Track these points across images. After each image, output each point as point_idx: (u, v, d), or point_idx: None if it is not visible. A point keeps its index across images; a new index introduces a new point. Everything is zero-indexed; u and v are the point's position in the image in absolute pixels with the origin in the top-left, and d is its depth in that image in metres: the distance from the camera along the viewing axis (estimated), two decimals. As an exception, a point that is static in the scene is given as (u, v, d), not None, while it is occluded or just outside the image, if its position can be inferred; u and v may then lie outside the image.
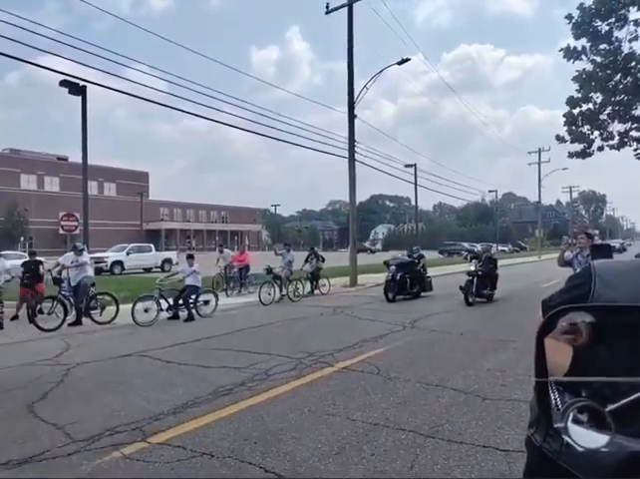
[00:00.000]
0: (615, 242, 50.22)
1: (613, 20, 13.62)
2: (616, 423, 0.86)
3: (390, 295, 12.52)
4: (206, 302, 10.80)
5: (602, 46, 13.97)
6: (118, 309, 10.05)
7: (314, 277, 15.01)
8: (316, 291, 14.99)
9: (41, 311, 9.86)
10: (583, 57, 14.11)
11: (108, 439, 3.69)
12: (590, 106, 14.85)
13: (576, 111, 15.02)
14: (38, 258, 11.09)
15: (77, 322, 9.68)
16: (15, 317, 10.35)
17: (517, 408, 4.16)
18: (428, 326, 8.63)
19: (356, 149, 18.48)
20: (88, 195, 14.33)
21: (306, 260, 15.18)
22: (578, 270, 1.58)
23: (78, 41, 18.60)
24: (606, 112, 14.85)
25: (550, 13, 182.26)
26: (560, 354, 1.04)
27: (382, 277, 20.42)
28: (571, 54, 14.19)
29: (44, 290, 10.55)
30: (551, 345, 1.01)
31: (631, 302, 1.04)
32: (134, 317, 9.27)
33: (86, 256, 10.55)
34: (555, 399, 0.98)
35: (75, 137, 13.46)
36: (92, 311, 9.94)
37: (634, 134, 15.01)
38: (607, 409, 0.88)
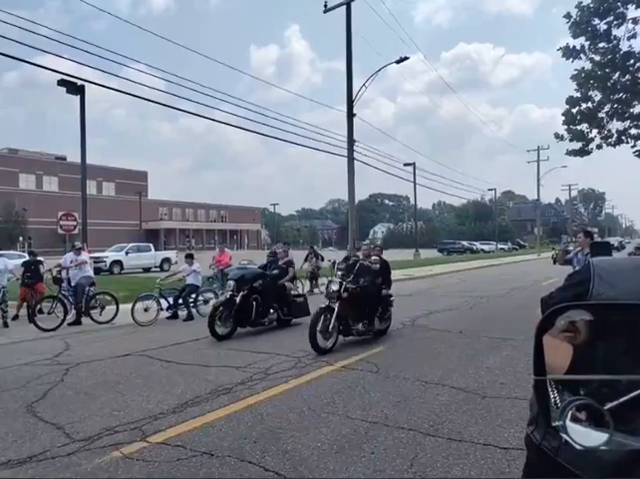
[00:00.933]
0: (614, 241, 50.27)
1: (612, 18, 13.60)
2: (615, 421, 0.87)
3: (219, 330, 7.72)
4: (206, 302, 10.79)
5: (601, 44, 13.95)
6: (117, 309, 10.05)
7: (314, 276, 15.00)
8: (315, 290, 14.99)
9: (41, 311, 9.85)
10: (582, 56, 14.10)
11: (107, 439, 3.69)
12: (589, 104, 14.84)
13: (575, 109, 15.02)
14: (38, 258, 11.08)
15: (77, 322, 9.68)
16: (16, 317, 10.34)
17: (517, 406, 4.16)
18: (427, 325, 8.64)
19: (355, 148, 18.48)
20: (86, 194, 14.31)
21: (306, 259, 15.17)
22: (578, 268, 1.58)
23: (76, 41, 18.58)
24: (605, 110, 14.85)
25: (549, 12, 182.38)
26: (560, 353, 1.04)
27: (381, 276, 20.49)
28: (570, 53, 14.17)
29: (44, 290, 10.54)
30: (551, 344, 1.01)
31: (630, 300, 1.04)
32: (133, 317, 9.27)
33: (85, 256, 10.55)
34: (554, 397, 0.98)
35: (74, 136, 13.45)
36: (91, 311, 9.94)
37: (633, 132, 15.02)
38: (606, 407, 0.88)
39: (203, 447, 3.49)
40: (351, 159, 18.19)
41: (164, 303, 10.13)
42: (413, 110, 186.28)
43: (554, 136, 15.79)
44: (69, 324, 9.47)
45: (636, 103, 14.52)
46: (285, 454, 3.35)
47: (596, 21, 13.77)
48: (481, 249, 54.45)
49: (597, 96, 14.71)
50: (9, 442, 3.67)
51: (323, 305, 6.85)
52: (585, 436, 0.88)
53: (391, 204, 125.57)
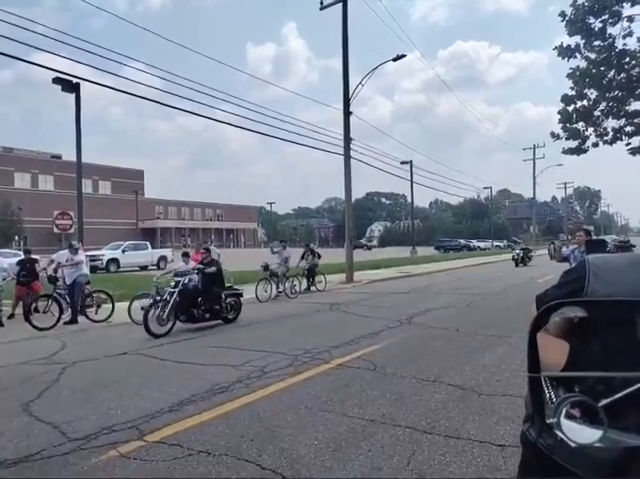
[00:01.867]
0: (608, 238, 50.42)
1: (607, 17, 13.65)
2: (609, 418, 0.87)
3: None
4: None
5: (596, 43, 14.00)
6: (113, 308, 10.03)
7: (310, 275, 15.02)
8: (312, 289, 15.01)
9: (36, 310, 9.82)
10: (577, 54, 14.14)
11: (104, 438, 3.68)
12: (585, 102, 14.89)
13: (571, 107, 15.07)
14: (33, 257, 11.03)
15: (72, 321, 9.64)
16: (11, 316, 10.31)
17: (513, 404, 4.18)
18: (424, 323, 8.66)
19: (352, 145, 18.48)
20: (82, 193, 14.26)
21: (302, 258, 15.18)
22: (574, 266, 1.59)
23: (72, 38, 18.51)
24: (600, 108, 14.90)
25: (545, 10, 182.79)
26: (555, 350, 1.04)
27: (378, 274, 20.54)
28: (566, 51, 14.22)
29: (39, 289, 10.50)
30: (546, 341, 1.01)
31: (626, 297, 1.04)
32: (130, 316, 9.24)
33: (81, 255, 10.51)
34: (549, 395, 0.99)
35: (69, 134, 13.37)
36: (87, 310, 9.91)
37: (628, 129, 15.07)
38: (600, 404, 0.88)
39: (200, 446, 3.48)
40: (347, 156, 18.18)
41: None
42: (409, 108, 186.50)
43: (551, 134, 15.85)
44: (65, 324, 9.43)
45: (631, 100, 14.58)
46: (282, 452, 3.35)
47: (591, 19, 13.81)
48: (478, 247, 54.58)
49: (593, 94, 14.76)
50: (5, 442, 3.66)
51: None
52: (580, 433, 0.88)
53: (387, 201, 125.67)
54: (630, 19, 13.56)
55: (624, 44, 13.78)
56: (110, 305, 10.07)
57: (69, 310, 9.80)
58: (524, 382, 1.01)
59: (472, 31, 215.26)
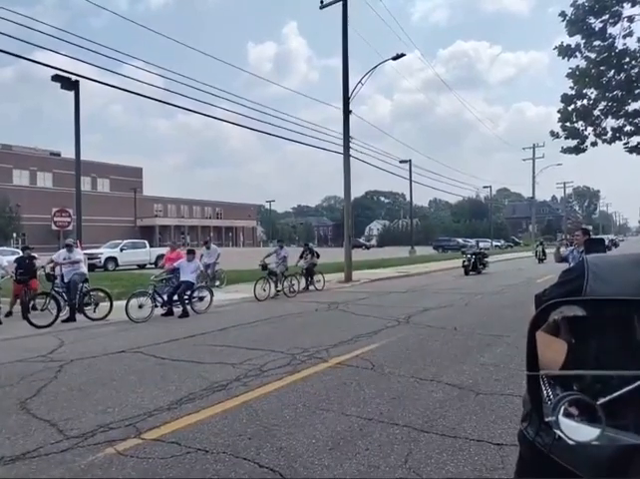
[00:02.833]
0: (606, 238, 50.47)
1: (607, 17, 13.64)
2: (607, 416, 0.87)
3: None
4: (201, 299, 10.77)
5: (596, 43, 13.99)
6: (111, 306, 10.01)
7: (309, 273, 15.01)
8: (311, 287, 15.00)
9: (34, 308, 9.81)
10: (577, 54, 14.13)
11: (101, 436, 3.68)
12: (584, 102, 14.89)
13: (570, 107, 15.07)
14: (32, 254, 11.00)
15: (70, 319, 9.63)
16: (9, 314, 10.29)
17: (511, 402, 4.18)
18: (422, 322, 8.66)
19: (351, 145, 18.47)
20: (81, 190, 14.23)
21: (301, 256, 15.18)
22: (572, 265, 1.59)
23: (73, 37, 18.48)
24: (600, 108, 14.89)
25: (545, 10, 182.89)
26: (554, 349, 1.04)
27: (377, 273, 20.54)
28: (566, 51, 14.20)
29: (37, 287, 10.48)
30: (545, 340, 1.01)
31: (624, 296, 1.04)
32: (128, 313, 9.23)
33: (79, 253, 10.49)
34: (547, 393, 0.98)
35: (69, 132, 13.36)
36: (85, 308, 9.89)
37: (627, 129, 15.07)
38: (598, 403, 0.88)
39: (198, 444, 3.48)
40: (347, 156, 18.18)
41: (159, 300, 10.12)
42: (409, 107, 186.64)
43: (550, 134, 15.83)
44: (62, 321, 9.42)
45: (631, 101, 14.58)
46: (280, 451, 3.35)
47: (591, 19, 13.80)
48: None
49: (592, 93, 14.76)
50: (2, 439, 3.66)
51: None
52: (577, 431, 0.88)
53: (387, 201, 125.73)
54: (630, 19, 13.55)
55: (624, 44, 13.78)
56: (108, 303, 10.06)
57: (67, 308, 9.79)
58: (522, 381, 1.01)
59: (472, 31, 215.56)
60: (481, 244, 55.72)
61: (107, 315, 9.81)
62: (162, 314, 10.12)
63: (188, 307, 10.25)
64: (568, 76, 14.59)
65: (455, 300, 11.56)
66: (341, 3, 18.05)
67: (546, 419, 0.92)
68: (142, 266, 25.85)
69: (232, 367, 5.61)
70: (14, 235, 42.77)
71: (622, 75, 14.04)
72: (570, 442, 0.88)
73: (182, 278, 10.45)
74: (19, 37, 10.96)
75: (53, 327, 8.89)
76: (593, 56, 14.09)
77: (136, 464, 3.19)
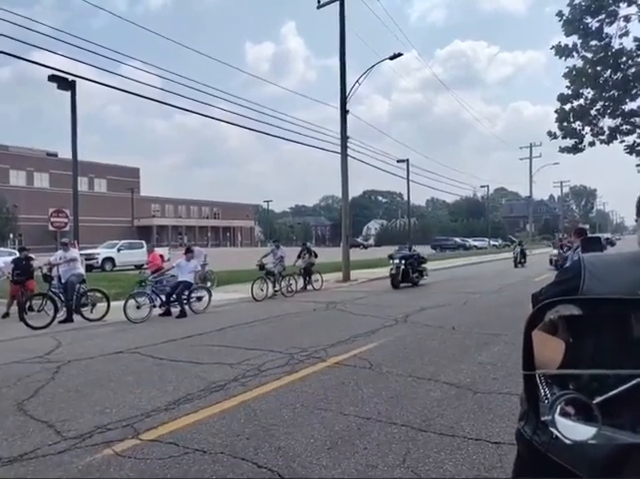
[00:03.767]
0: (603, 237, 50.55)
1: (603, 16, 13.68)
2: (603, 415, 0.87)
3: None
4: (199, 299, 10.76)
5: (593, 42, 14.03)
6: (109, 306, 9.98)
7: (307, 273, 15.00)
8: (309, 287, 15.00)
9: (31, 309, 9.77)
10: (574, 54, 14.17)
11: (99, 436, 3.67)
12: (581, 102, 14.93)
13: (567, 107, 15.11)
14: (29, 255, 10.96)
15: (67, 320, 9.59)
16: (6, 315, 10.25)
17: (508, 401, 4.19)
18: (420, 321, 8.67)
19: (349, 144, 18.48)
20: (78, 191, 14.19)
21: (299, 256, 15.17)
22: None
23: (71, 37, 18.43)
24: (597, 107, 14.94)
25: (542, 10, 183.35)
26: (550, 348, 1.04)
27: (375, 273, 20.54)
28: (562, 51, 14.23)
29: (34, 287, 10.44)
30: (543, 340, 1.01)
31: (620, 295, 1.04)
32: (126, 314, 9.21)
33: (75, 252, 10.45)
34: (544, 392, 0.99)
35: (67, 132, 13.30)
36: (82, 308, 9.85)
37: (624, 128, 15.12)
38: (594, 402, 0.88)
39: (196, 444, 3.48)
40: (345, 155, 18.18)
41: (157, 300, 10.10)
42: (407, 107, 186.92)
43: (547, 134, 15.88)
44: (60, 322, 9.39)
45: (628, 100, 14.63)
46: (278, 451, 3.35)
47: (588, 19, 13.84)
48: (474, 246, 54.71)
49: (589, 93, 14.80)
50: (0, 441, 3.65)
51: None
52: (574, 430, 0.88)
53: (384, 200, 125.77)
54: (627, 19, 13.60)
55: (620, 44, 13.84)
56: (105, 304, 10.03)
57: (64, 309, 9.76)
58: (520, 380, 1.01)
59: (470, 31, 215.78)
60: (478, 244, 55.97)
61: (104, 316, 9.78)
62: (160, 315, 10.10)
63: (186, 307, 10.24)
64: (565, 75, 14.64)
65: (452, 300, 11.57)
66: (338, 3, 18.06)
67: (543, 418, 0.93)
68: (139, 267, 25.76)
69: (230, 367, 5.60)
70: (11, 235, 42.66)
71: (619, 74, 14.08)
72: (567, 441, 0.88)
73: (180, 278, 10.44)
74: (16, 37, 10.93)
75: (50, 328, 8.86)
76: (590, 56, 14.14)
77: (133, 465, 3.19)
